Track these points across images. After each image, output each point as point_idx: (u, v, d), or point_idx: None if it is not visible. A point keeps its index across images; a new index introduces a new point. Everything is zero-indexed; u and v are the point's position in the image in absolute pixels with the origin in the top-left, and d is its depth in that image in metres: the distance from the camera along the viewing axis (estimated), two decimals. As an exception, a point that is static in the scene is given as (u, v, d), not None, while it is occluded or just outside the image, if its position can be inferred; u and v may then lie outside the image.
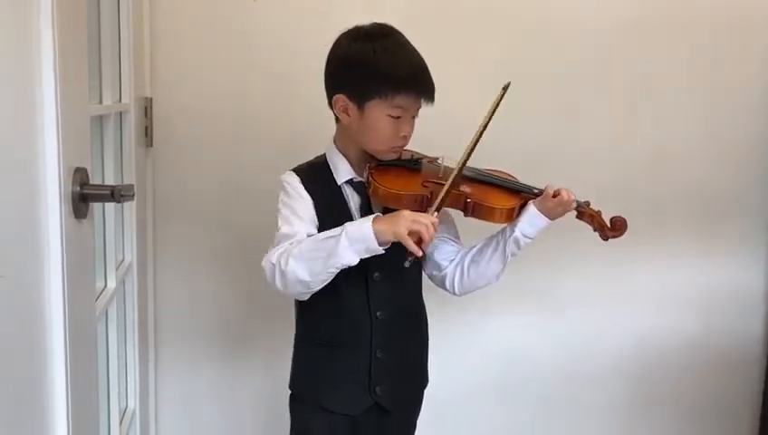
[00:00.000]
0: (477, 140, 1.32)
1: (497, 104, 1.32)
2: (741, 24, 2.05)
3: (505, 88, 1.33)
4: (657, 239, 2.11)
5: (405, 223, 1.22)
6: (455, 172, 1.31)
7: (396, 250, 1.36)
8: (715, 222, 2.14)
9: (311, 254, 1.25)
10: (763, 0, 2.06)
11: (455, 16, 1.96)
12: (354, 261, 1.24)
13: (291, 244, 1.29)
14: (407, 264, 1.25)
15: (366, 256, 1.25)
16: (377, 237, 1.23)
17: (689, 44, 2.05)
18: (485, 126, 1.32)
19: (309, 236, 1.32)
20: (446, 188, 1.30)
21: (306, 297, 1.32)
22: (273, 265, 1.27)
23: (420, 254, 1.24)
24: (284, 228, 1.33)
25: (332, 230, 1.27)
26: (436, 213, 1.27)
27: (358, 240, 1.23)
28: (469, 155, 1.32)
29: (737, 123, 2.10)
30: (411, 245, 1.22)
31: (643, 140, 2.08)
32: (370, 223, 1.24)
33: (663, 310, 2.17)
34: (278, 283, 1.28)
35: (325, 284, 1.28)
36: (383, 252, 1.25)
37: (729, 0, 2.04)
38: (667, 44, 2.04)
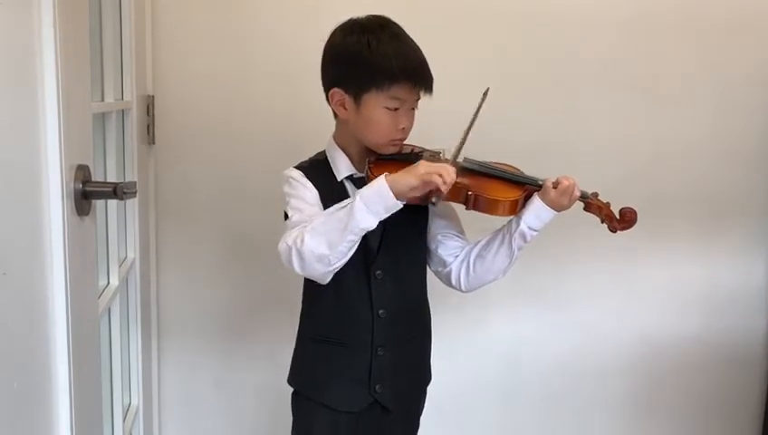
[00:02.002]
0: (465, 138, 1.32)
1: (478, 111, 1.32)
2: (742, 24, 2.04)
3: (485, 94, 1.32)
4: (660, 238, 2.11)
5: (424, 167, 1.21)
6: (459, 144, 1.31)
7: (399, 246, 1.35)
8: (718, 220, 2.14)
9: (326, 226, 1.23)
10: (764, 0, 2.05)
11: (458, 13, 1.96)
12: (373, 224, 1.21)
13: (304, 225, 1.26)
14: (434, 200, 1.25)
15: (385, 216, 1.22)
16: (392, 189, 1.20)
17: (690, 44, 2.05)
18: (468, 131, 1.32)
19: None
20: (463, 137, 1.30)
21: (327, 279, 1.28)
22: (290, 246, 1.24)
23: (445, 191, 1.22)
24: (296, 216, 1.31)
25: (345, 201, 1.26)
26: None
27: (374, 201, 1.20)
28: (463, 141, 1.32)
29: (738, 122, 2.10)
30: (436, 178, 1.20)
31: (644, 138, 2.07)
32: (383, 179, 1.22)
33: (666, 308, 2.17)
34: (295, 264, 1.25)
35: (347, 257, 1.25)
36: (402, 205, 1.22)
37: (730, 0, 2.04)
38: (668, 43, 2.04)
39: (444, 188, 1.21)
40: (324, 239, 1.22)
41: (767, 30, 2.06)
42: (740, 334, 2.20)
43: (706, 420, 2.24)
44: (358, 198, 1.21)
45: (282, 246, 1.27)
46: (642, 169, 2.08)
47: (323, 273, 1.27)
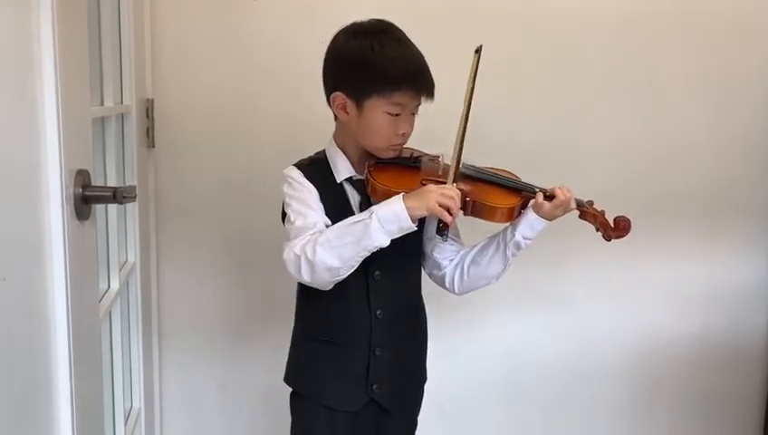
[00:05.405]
0: (467, 116, 1.31)
1: (475, 71, 1.31)
2: (742, 24, 2.04)
3: (478, 51, 1.31)
4: (661, 238, 2.10)
5: (434, 197, 1.24)
6: (458, 145, 1.32)
7: (398, 247, 1.35)
8: (718, 220, 2.14)
9: (339, 241, 1.25)
10: (764, 0, 2.05)
11: (457, 14, 1.95)
12: (386, 242, 1.25)
13: (313, 234, 1.28)
14: (443, 237, 1.29)
15: (397, 236, 1.26)
16: (409, 214, 1.24)
17: (691, 44, 2.04)
18: (470, 96, 1.31)
19: (326, 225, 1.32)
20: (456, 153, 1.31)
21: (330, 286, 1.31)
22: (298, 255, 1.26)
23: (451, 221, 1.26)
24: (299, 221, 1.31)
25: (358, 215, 1.28)
26: (454, 184, 1.29)
27: (390, 220, 1.24)
28: (464, 134, 1.32)
29: (739, 122, 2.10)
30: (445, 215, 1.24)
31: (645, 138, 2.07)
32: (402, 202, 1.25)
33: (667, 308, 2.17)
34: (304, 273, 1.27)
35: (353, 269, 1.28)
36: (416, 228, 1.27)
37: (730, 0, 2.04)
38: (668, 44, 2.04)
39: (449, 221, 1.26)
40: (336, 253, 1.25)
41: (767, 30, 2.06)
42: (741, 334, 2.20)
43: (708, 419, 2.24)
44: (374, 217, 1.24)
45: (289, 254, 1.28)
46: (643, 169, 2.08)
47: (330, 283, 1.30)
